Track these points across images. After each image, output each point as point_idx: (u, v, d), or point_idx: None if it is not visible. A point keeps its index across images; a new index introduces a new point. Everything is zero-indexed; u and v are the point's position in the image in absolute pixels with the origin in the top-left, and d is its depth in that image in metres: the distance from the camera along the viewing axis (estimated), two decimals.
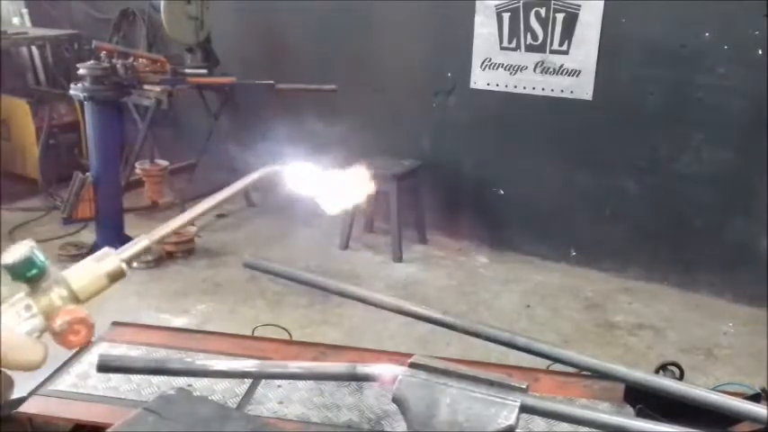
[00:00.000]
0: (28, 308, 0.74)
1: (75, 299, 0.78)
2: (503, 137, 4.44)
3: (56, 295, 0.76)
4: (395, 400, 1.20)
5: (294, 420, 1.53)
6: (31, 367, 0.73)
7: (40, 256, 0.74)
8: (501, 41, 4.23)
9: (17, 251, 0.73)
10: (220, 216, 5.04)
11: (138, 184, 4.77)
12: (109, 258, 0.83)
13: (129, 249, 0.87)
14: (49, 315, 0.75)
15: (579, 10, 3.95)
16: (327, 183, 1.02)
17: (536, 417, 1.43)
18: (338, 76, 4.58)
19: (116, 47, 4.80)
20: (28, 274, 0.74)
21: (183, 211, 4.65)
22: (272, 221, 4.96)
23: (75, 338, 0.77)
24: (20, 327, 0.73)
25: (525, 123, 4.32)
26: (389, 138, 4.71)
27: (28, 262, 0.73)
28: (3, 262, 0.72)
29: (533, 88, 4.20)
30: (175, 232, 1.07)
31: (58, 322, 0.75)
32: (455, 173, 4.61)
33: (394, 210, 4.33)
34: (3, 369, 0.72)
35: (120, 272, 0.83)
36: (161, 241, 0.90)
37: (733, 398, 1.30)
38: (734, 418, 1.35)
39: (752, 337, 3.52)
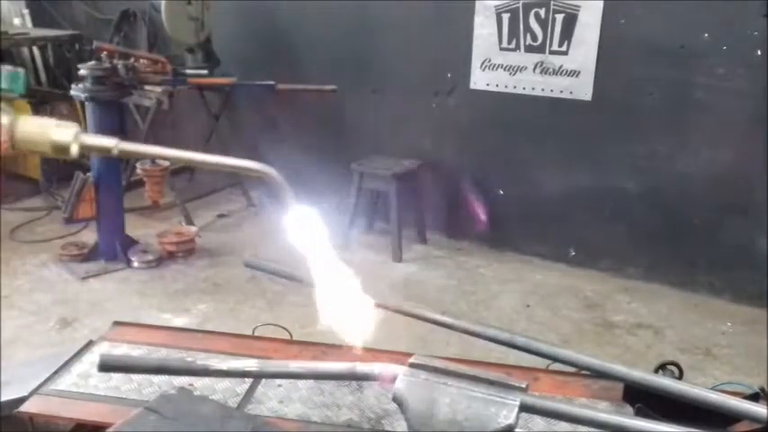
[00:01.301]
0: None
1: (11, 135, 0.80)
2: (503, 137, 4.44)
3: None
4: (395, 399, 1.21)
5: (294, 419, 1.53)
6: None
7: (21, 83, 0.83)
8: (501, 42, 4.24)
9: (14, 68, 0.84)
10: (221, 216, 5.04)
11: (139, 184, 4.76)
12: (68, 131, 0.83)
13: (92, 138, 0.84)
14: None
15: (579, 11, 3.96)
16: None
17: (535, 416, 1.44)
18: (338, 77, 4.58)
19: (117, 47, 4.80)
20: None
21: (183, 211, 4.71)
22: (272, 221, 4.96)
23: None
24: None
25: (525, 124, 4.32)
26: (389, 138, 4.71)
27: (15, 75, 0.84)
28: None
29: (533, 89, 4.20)
30: (156, 159, 1.08)
31: None
32: (455, 173, 4.61)
33: (394, 210, 4.33)
34: None
35: (66, 148, 0.82)
36: (130, 156, 0.90)
37: (732, 397, 1.31)
38: (733, 417, 1.36)
39: (751, 337, 3.53)
